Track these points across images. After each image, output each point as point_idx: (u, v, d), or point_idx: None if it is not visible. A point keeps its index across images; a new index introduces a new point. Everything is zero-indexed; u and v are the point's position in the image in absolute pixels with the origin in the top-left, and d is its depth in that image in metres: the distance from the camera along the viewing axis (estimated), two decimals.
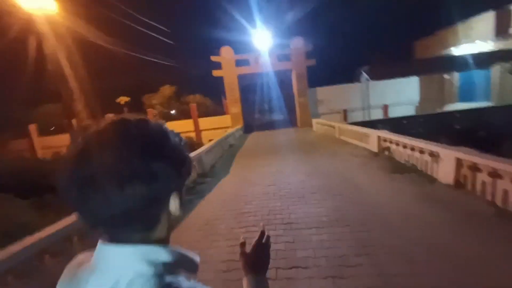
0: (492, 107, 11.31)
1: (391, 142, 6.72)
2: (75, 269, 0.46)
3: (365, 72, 10.90)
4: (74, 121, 17.32)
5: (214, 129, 17.86)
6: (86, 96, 26.33)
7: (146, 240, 0.46)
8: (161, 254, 0.45)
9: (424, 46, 17.00)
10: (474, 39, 12.89)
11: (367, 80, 11.04)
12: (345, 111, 18.32)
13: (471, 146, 4.63)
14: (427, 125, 10.95)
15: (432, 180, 4.83)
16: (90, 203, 0.41)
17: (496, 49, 11.96)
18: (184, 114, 19.39)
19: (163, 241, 0.49)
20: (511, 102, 11.84)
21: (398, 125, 10.87)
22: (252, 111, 19.70)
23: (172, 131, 0.52)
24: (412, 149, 5.68)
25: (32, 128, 17.41)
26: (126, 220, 0.43)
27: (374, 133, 7.53)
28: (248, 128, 17.85)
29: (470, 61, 11.50)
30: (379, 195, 4.44)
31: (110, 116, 0.46)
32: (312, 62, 17.08)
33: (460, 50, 13.37)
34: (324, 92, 18.51)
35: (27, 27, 12.74)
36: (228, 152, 10.59)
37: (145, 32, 17.43)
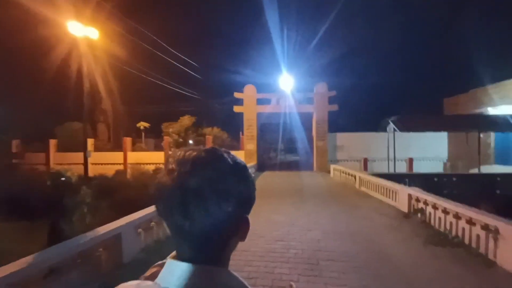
0: None
1: (425, 203, 5.69)
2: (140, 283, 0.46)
3: (393, 122, 10.25)
4: (90, 141, 17.63)
5: None
6: (115, 119, 27.55)
7: (214, 261, 0.48)
8: (229, 279, 0.48)
9: (453, 104, 16.32)
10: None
11: (394, 130, 10.32)
12: (365, 160, 17.29)
13: None
14: (462, 186, 9.70)
15: (489, 263, 3.72)
16: (188, 214, 0.44)
17: None
18: (199, 146, 19.23)
19: (225, 266, 0.50)
20: None
21: (428, 182, 9.71)
22: (267, 150, 19.20)
23: None
24: (457, 217, 4.64)
25: (52, 143, 17.88)
26: (209, 234, 0.46)
27: (404, 190, 6.54)
28: (262, 166, 17.16)
29: (501, 122, 10.57)
30: (417, 276, 3.41)
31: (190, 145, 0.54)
32: (334, 107, 16.81)
33: (497, 110, 12.52)
34: (344, 138, 17.82)
35: (71, 50, 13.69)
36: None
37: (174, 63, 18.42)
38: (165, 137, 16.27)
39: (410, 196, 6.32)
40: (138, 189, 10.78)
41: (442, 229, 5.02)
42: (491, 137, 12.94)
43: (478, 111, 13.76)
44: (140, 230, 4.23)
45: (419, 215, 5.91)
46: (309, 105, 17.14)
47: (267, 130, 18.23)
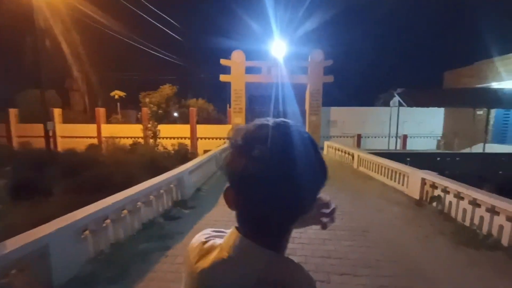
0: None
1: (445, 190, 4.83)
2: (206, 250, 0.50)
3: (399, 95, 9.20)
4: (57, 111, 15.64)
5: (213, 138, 16.06)
6: (90, 87, 24.88)
7: (274, 247, 0.47)
8: (297, 269, 0.48)
9: (455, 78, 15.39)
10: None
11: (400, 104, 9.31)
12: (359, 136, 16.53)
13: None
14: (465, 166, 9.07)
15: None
16: (281, 186, 0.42)
17: None
18: (182, 118, 17.69)
19: (282, 252, 0.50)
20: None
21: (430, 161, 8.99)
22: None
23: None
24: (492, 211, 3.78)
25: (13, 112, 15.74)
26: (288, 218, 0.46)
27: (416, 174, 5.66)
28: None
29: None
30: None
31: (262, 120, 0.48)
32: (330, 78, 15.49)
33: (502, 85, 11.69)
34: (338, 113, 16.80)
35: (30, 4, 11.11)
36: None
37: (154, 24, 16.06)
38: (143, 108, 14.57)
39: (423, 180, 5.45)
40: (112, 166, 9.44)
41: (467, 223, 4.20)
42: (492, 114, 12.28)
43: (482, 86, 12.93)
44: (86, 233, 3.08)
45: (434, 203, 5.09)
46: (303, 75, 15.68)
47: (257, 102, 16.84)
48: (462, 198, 4.39)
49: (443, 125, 16.55)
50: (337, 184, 6.84)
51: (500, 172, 9.08)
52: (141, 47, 17.85)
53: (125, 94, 15.52)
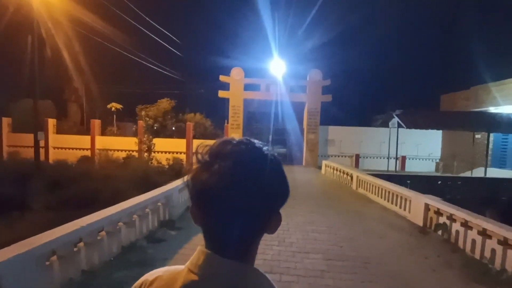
0: None
1: (451, 218, 4.53)
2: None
3: (398, 116, 9.11)
4: (51, 121, 15.37)
5: None
6: (88, 99, 24.80)
7: (246, 257, 0.48)
8: (260, 279, 0.50)
9: (451, 101, 15.52)
10: None
11: (399, 126, 9.20)
12: (357, 156, 16.33)
13: None
14: (467, 191, 8.81)
15: None
16: (232, 210, 0.44)
17: None
18: (179, 133, 17.46)
19: (253, 262, 0.50)
20: None
21: (431, 185, 8.73)
22: None
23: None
24: (506, 244, 3.47)
25: (6, 122, 15.42)
26: (247, 230, 0.47)
27: (419, 198, 5.37)
28: None
29: None
30: None
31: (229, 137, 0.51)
32: (328, 98, 15.54)
33: (499, 110, 11.72)
34: (336, 132, 16.69)
35: (29, 14, 11.13)
36: None
37: (154, 39, 16.25)
38: (139, 122, 14.36)
39: (427, 206, 5.15)
40: (101, 180, 9.05)
41: (477, 255, 3.87)
42: (491, 138, 12.19)
43: (479, 109, 12.97)
44: (53, 258, 2.70)
45: (439, 232, 4.77)
46: (302, 94, 15.74)
47: (255, 119, 16.74)
48: (471, 228, 4.08)
49: (441, 147, 16.46)
50: (336, 206, 6.51)
51: (503, 198, 8.82)
52: (141, 61, 17.99)
53: (122, 106, 15.37)
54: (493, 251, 3.64)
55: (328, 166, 11.93)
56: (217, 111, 20.72)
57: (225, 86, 15.80)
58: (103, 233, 3.46)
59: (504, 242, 3.49)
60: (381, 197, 6.92)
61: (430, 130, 14.50)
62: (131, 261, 3.43)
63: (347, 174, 9.50)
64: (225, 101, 16.05)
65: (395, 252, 4.02)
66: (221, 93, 15.62)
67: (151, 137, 12.97)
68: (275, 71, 15.86)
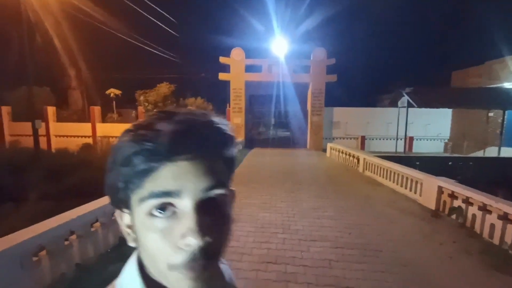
0: None
1: (467, 201, 4.24)
2: None
3: (408, 95, 8.60)
4: (51, 109, 15.13)
5: None
6: (88, 86, 24.41)
7: None
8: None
9: (463, 78, 14.76)
10: None
11: (409, 105, 8.70)
12: (363, 138, 15.93)
13: None
14: (479, 171, 8.47)
15: None
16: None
17: None
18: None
19: None
20: None
21: (441, 166, 8.40)
22: (257, 124, 17.40)
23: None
24: None
25: (5, 110, 15.24)
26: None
27: (431, 181, 5.07)
28: (250, 142, 15.47)
29: None
30: None
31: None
32: (333, 78, 14.90)
33: None
34: (341, 114, 16.19)
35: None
36: None
37: (151, 21, 15.54)
38: (139, 107, 14.03)
39: (440, 189, 4.87)
40: (102, 168, 8.89)
41: (496, 241, 3.62)
42: (505, 116, 11.62)
43: (493, 86, 12.29)
44: (42, 253, 2.52)
45: (453, 215, 4.51)
46: (305, 74, 15.10)
47: (257, 102, 16.27)
48: (490, 212, 3.80)
49: (450, 127, 15.92)
50: (343, 190, 6.27)
51: None
52: (139, 44, 17.35)
53: (121, 92, 14.96)
54: None
55: (333, 149, 11.61)
56: (218, 94, 20.22)
57: (226, 69, 15.22)
58: (98, 224, 3.28)
59: None
60: (390, 180, 6.64)
61: (439, 110, 13.95)
62: (130, 252, 3.26)
63: (354, 156, 9.19)
64: (227, 84, 15.52)
65: (407, 238, 3.79)
66: (222, 76, 15.07)
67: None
68: (277, 50, 15.16)
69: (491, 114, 12.48)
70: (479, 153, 11.49)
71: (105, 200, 3.40)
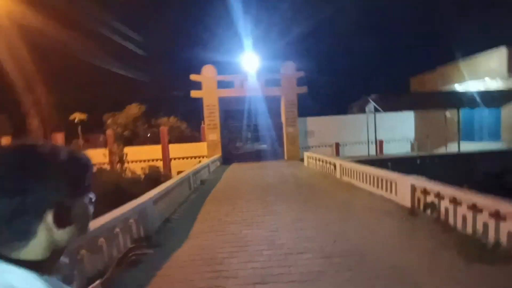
0: None
1: (439, 196, 4.46)
2: None
3: (374, 101, 9.13)
4: (2, 139, 13.83)
5: (187, 158, 15.09)
6: (46, 112, 22.74)
7: (13, 260, 0.48)
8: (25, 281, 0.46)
9: (421, 82, 16.12)
10: (482, 76, 11.88)
11: (376, 110, 9.23)
12: (337, 145, 16.48)
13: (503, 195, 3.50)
14: (444, 167, 9.06)
15: None
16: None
17: (508, 87, 10.89)
18: (153, 139, 16.56)
19: (40, 265, 0.50)
20: None
21: (411, 165, 8.87)
22: (233, 140, 17.33)
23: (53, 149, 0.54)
24: (497, 216, 3.39)
25: None
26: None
27: (404, 180, 5.29)
28: (227, 158, 15.29)
29: (481, 98, 10.18)
30: None
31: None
32: (303, 89, 15.46)
33: (465, 87, 12.26)
34: (315, 123, 16.71)
35: None
36: (196, 192, 7.87)
37: (117, 42, 15.15)
38: (107, 131, 13.32)
39: (413, 186, 5.08)
40: None
41: (469, 231, 3.79)
42: (457, 115, 12.75)
43: (445, 88, 13.52)
44: None
45: (428, 211, 4.69)
46: (277, 87, 15.52)
47: (232, 117, 16.29)
48: (460, 204, 4.01)
49: (414, 128, 17.08)
50: (323, 198, 6.31)
51: (478, 169, 9.19)
52: (104, 66, 16.75)
53: (86, 116, 14.14)
54: (485, 225, 3.56)
55: (310, 158, 11.82)
56: (192, 113, 19.97)
57: (198, 86, 15.15)
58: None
59: (495, 214, 3.41)
60: (366, 183, 6.83)
61: (403, 113, 14.98)
62: None
63: (330, 163, 9.41)
64: (200, 101, 15.42)
65: (390, 239, 3.84)
66: (194, 93, 14.96)
67: (121, 146, 12.05)
68: (248, 66, 15.48)
69: (447, 114, 13.62)
70: (442, 150, 12.38)
71: None
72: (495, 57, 11.20)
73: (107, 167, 12.94)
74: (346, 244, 3.71)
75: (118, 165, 12.30)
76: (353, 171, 7.62)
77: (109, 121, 13.19)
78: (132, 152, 13.47)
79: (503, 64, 10.83)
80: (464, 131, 14.01)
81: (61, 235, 0.52)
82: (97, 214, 4.01)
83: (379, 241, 3.77)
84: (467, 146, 11.86)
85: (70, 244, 0.55)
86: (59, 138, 14.06)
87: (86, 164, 0.58)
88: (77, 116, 15.70)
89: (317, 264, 3.20)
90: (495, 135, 12.23)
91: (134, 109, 14.98)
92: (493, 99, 10.39)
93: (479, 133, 13.36)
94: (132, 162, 13.30)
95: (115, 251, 3.69)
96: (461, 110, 13.16)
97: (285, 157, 15.66)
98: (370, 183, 6.66)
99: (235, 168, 12.84)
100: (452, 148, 12.17)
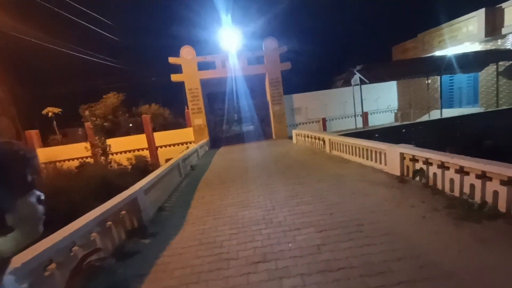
0: (492, 111, 10.22)
1: (427, 162, 4.58)
2: None
3: (359, 72, 9.04)
4: None
5: (174, 145, 14.75)
6: (17, 108, 21.18)
7: None
8: None
9: (403, 51, 16.16)
10: (462, 40, 12.01)
11: (362, 82, 9.17)
12: (323, 120, 16.60)
13: (481, 156, 3.78)
14: (428, 133, 9.35)
15: None
16: None
17: (486, 49, 11.11)
18: (137, 128, 15.98)
19: None
20: (503, 106, 10.94)
21: (397, 134, 9.09)
22: (219, 123, 17.01)
23: None
24: (483, 176, 3.53)
25: None
26: None
27: (393, 149, 5.38)
28: (215, 142, 15.09)
29: (460, 62, 10.36)
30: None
31: None
32: (287, 65, 15.13)
33: (445, 52, 12.40)
34: (301, 100, 16.63)
35: None
36: (188, 178, 7.75)
37: (88, 28, 13.96)
38: (86, 124, 12.64)
39: (402, 155, 5.19)
40: (54, 196, 7.87)
41: (456, 193, 3.96)
42: (438, 82, 13.01)
43: (428, 55, 13.63)
44: None
45: (417, 177, 4.84)
46: (260, 65, 15.10)
47: (216, 99, 15.87)
48: (447, 168, 4.14)
49: (397, 98, 17.39)
50: (315, 173, 6.37)
51: (458, 134, 9.56)
52: (76, 54, 15.53)
53: (61, 110, 13.22)
54: (472, 186, 3.71)
55: (298, 135, 11.85)
56: (174, 98, 19.29)
57: (179, 69, 14.48)
58: (53, 265, 2.77)
59: (482, 176, 3.55)
60: (356, 155, 6.94)
61: (386, 83, 15.09)
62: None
63: (319, 139, 9.46)
64: (182, 86, 14.81)
65: (383, 207, 3.95)
66: (174, 77, 14.32)
67: (103, 138, 11.54)
68: (229, 45, 14.84)
69: (429, 81, 13.85)
70: (425, 117, 12.73)
71: (56, 236, 2.90)
72: (474, 21, 11.26)
73: (90, 160, 12.46)
74: (342, 216, 3.78)
75: (102, 158, 11.84)
76: (343, 145, 7.70)
77: (86, 113, 12.47)
78: (116, 143, 12.97)
79: (481, 27, 10.93)
80: (445, 97, 14.39)
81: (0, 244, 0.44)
82: (87, 209, 3.85)
83: (373, 210, 3.86)
84: (449, 113, 12.25)
85: (14, 254, 0.47)
86: (34, 136, 13.25)
87: (24, 157, 0.49)
88: (50, 110, 14.73)
89: (316, 238, 3.25)
90: (474, 100, 12.66)
91: (112, 99, 14.20)
92: (471, 64, 10.59)
93: (458, 99, 13.78)
94: (117, 153, 12.85)
95: (110, 244, 3.59)
96: (442, 76, 13.43)
97: (273, 136, 15.65)
98: (360, 156, 6.77)
99: (224, 151, 12.71)
100: (435, 115, 12.53)
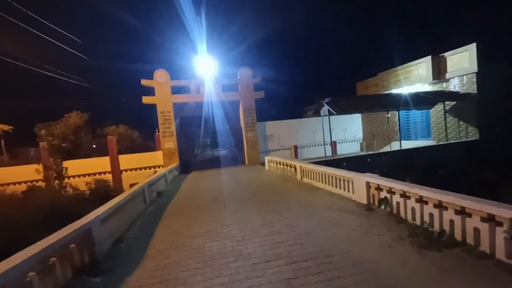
0: (443, 144, 11.35)
1: (391, 191, 4.81)
2: None
3: (328, 104, 9.67)
4: None
5: (141, 168, 13.94)
6: None
7: None
8: None
9: (365, 87, 17.78)
10: (414, 81, 13.58)
11: (330, 113, 9.77)
12: (295, 148, 17.07)
13: (434, 185, 4.15)
14: (390, 163, 10.00)
15: (505, 267, 2.82)
16: None
17: (434, 90, 12.63)
18: (101, 150, 14.93)
19: None
20: (451, 140, 12.24)
21: (362, 163, 9.57)
22: (191, 147, 16.61)
23: None
24: (440, 206, 3.76)
25: None
26: None
27: (360, 178, 5.61)
28: (186, 167, 14.58)
29: (414, 100, 11.61)
30: None
31: None
32: (261, 94, 15.67)
33: (401, 90, 13.88)
34: (273, 127, 17.08)
35: None
36: (153, 205, 7.22)
37: (54, 43, 13.32)
38: (41, 143, 11.51)
39: (368, 184, 5.41)
40: None
41: (418, 222, 4.15)
42: (397, 116, 14.34)
43: (386, 92, 15.09)
44: None
45: (382, 206, 5.03)
46: (235, 92, 15.45)
47: (189, 123, 15.62)
48: (409, 197, 4.37)
49: (362, 129, 18.68)
50: (286, 201, 6.33)
51: (416, 164, 10.36)
52: (38, 71, 14.57)
53: (11, 127, 11.96)
54: (431, 215, 3.92)
55: (271, 161, 11.94)
56: (145, 120, 18.65)
57: (151, 92, 14.21)
58: None
59: (439, 205, 3.78)
60: (326, 183, 7.10)
61: (352, 115, 16.22)
62: None
63: (291, 166, 9.60)
64: (153, 108, 14.45)
65: (352, 236, 3.97)
66: (146, 99, 13.97)
67: (59, 160, 10.53)
68: (204, 71, 15.10)
69: (389, 115, 15.18)
70: (387, 148, 13.73)
71: None
72: (423, 65, 12.94)
73: (42, 184, 11.17)
74: (313, 246, 3.71)
75: (56, 182, 10.70)
76: (313, 173, 7.87)
77: (42, 132, 11.39)
78: (74, 166, 11.90)
79: (429, 71, 12.57)
80: (403, 130, 15.77)
81: None
82: (32, 241, 3.31)
83: (343, 239, 3.87)
84: (406, 144, 13.35)
85: None
86: None
87: None
88: None
89: (286, 271, 3.11)
90: (427, 134, 14.03)
91: (74, 118, 13.26)
92: (423, 102, 11.90)
93: (414, 132, 15.19)
94: (74, 177, 11.73)
95: (51, 287, 3.07)
96: (400, 112, 14.83)
97: (246, 162, 15.60)
98: (329, 184, 6.94)
99: (194, 177, 12.27)
100: (395, 146, 13.55)
